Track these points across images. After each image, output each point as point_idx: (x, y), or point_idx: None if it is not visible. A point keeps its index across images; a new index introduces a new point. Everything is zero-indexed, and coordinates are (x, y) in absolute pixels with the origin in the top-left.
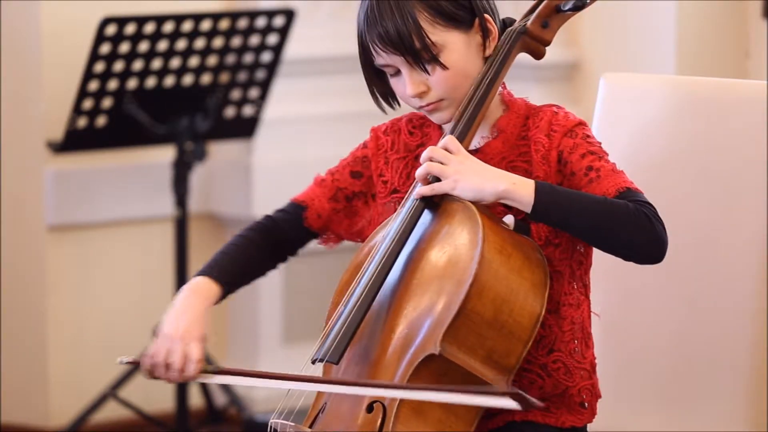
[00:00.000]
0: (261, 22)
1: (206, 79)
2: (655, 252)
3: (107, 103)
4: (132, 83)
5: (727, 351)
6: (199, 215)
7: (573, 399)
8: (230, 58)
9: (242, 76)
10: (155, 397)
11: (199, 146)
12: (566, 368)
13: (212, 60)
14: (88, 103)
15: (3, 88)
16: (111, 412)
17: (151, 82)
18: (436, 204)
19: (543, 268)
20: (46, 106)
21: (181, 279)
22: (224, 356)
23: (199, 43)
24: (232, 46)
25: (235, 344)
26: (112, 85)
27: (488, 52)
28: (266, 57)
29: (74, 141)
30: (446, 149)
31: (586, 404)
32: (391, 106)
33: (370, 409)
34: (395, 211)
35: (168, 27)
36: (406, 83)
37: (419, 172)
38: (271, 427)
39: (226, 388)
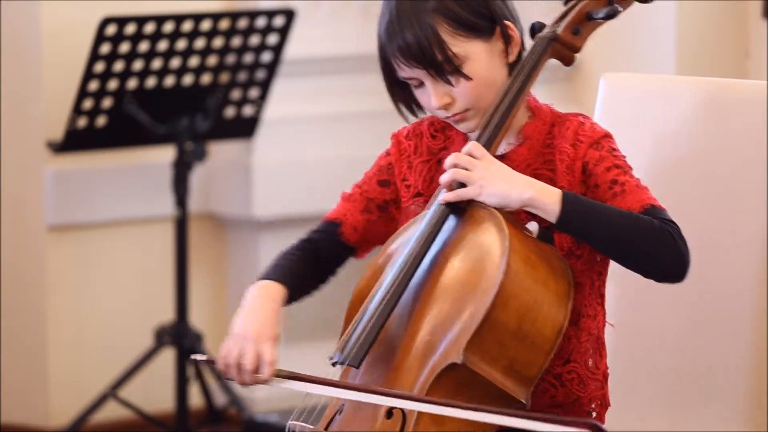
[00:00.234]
0: (261, 22)
1: (206, 79)
2: (679, 271)
3: (107, 103)
4: (132, 83)
5: (728, 351)
6: (199, 215)
7: (583, 408)
8: (230, 58)
9: (242, 76)
10: (155, 397)
11: (199, 146)
12: (580, 378)
13: (212, 60)
14: (88, 103)
15: (3, 88)
16: (111, 412)
17: (151, 82)
18: (462, 209)
19: (567, 278)
20: (46, 106)
21: (181, 279)
22: None
23: (199, 43)
24: (232, 46)
25: None
26: (112, 85)
27: (511, 58)
28: (266, 57)
29: (74, 141)
30: (471, 155)
31: (595, 414)
32: (415, 115)
33: (389, 414)
34: (416, 214)
35: (168, 27)
36: (430, 95)
37: (444, 179)
38: (289, 429)
39: (226, 387)
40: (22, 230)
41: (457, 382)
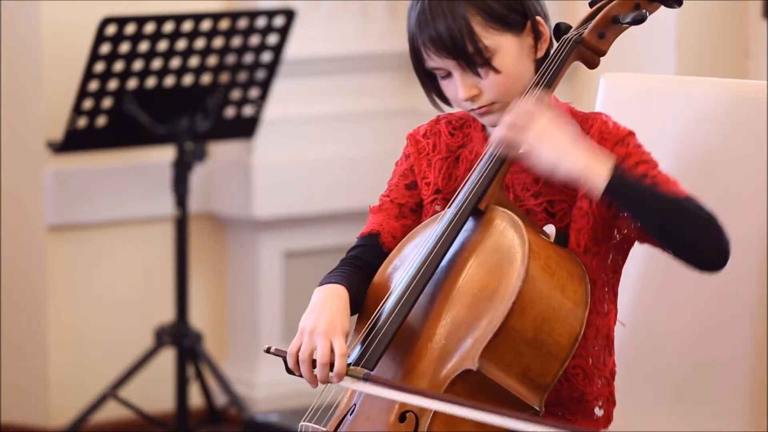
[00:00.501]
0: (261, 22)
1: (206, 79)
2: (719, 260)
3: (107, 103)
4: (132, 83)
5: (728, 352)
6: (199, 215)
7: (589, 405)
8: (230, 58)
9: (242, 76)
10: (155, 397)
11: (199, 146)
12: (584, 374)
13: (212, 60)
14: (88, 103)
15: (3, 88)
16: (111, 412)
17: (151, 82)
18: (481, 212)
19: (584, 285)
20: (46, 106)
21: (181, 279)
22: (224, 356)
23: (199, 43)
24: (232, 46)
25: (235, 344)
26: (112, 85)
27: (539, 54)
28: (266, 57)
29: (74, 141)
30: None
31: (602, 411)
32: (447, 105)
33: (402, 418)
34: (434, 213)
35: (168, 27)
36: (458, 86)
37: (497, 134)
38: (300, 429)
39: (225, 387)
40: (22, 230)
41: (471, 388)
